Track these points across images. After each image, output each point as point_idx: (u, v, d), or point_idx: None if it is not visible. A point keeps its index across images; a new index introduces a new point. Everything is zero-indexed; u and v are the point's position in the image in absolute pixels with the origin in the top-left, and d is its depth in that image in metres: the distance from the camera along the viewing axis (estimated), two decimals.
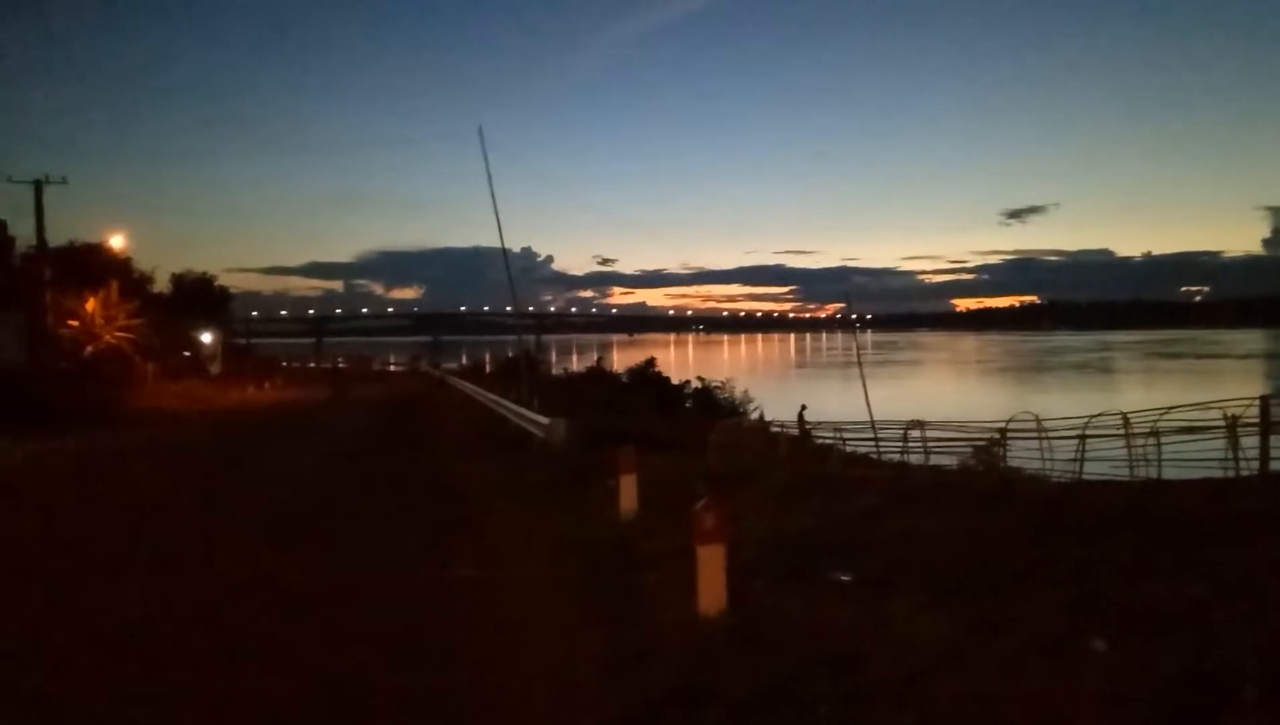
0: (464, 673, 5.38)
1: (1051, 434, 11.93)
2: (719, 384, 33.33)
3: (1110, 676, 4.43)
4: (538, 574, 7.73)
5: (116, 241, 46.38)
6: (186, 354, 54.48)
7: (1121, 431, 11.01)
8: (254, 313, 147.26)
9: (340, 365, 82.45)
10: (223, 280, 75.31)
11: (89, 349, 38.80)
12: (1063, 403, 34.41)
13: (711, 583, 6.01)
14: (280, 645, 6.01)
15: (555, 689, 5.07)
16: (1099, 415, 11.44)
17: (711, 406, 30.24)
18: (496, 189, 26.15)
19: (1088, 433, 11.40)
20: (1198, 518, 7.16)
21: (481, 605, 6.88)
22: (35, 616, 6.76)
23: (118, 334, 40.68)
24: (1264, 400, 10.27)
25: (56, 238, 40.23)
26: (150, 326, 43.58)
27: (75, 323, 38.93)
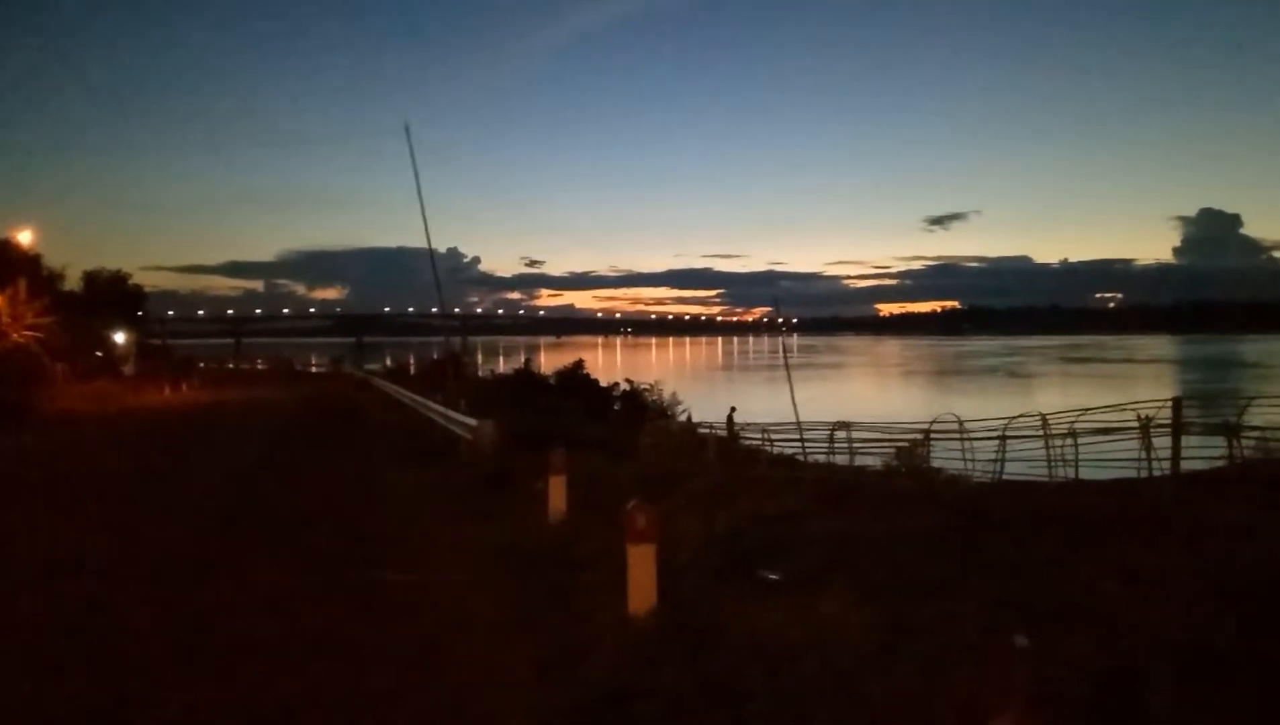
0: (395, 676, 5.29)
1: (973, 435, 12.21)
2: (647, 386, 33.40)
3: (1032, 669, 4.54)
4: (468, 576, 7.64)
5: (24, 237, 44.71)
6: (99, 354, 52.63)
7: (1040, 433, 11.33)
8: (170, 312, 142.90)
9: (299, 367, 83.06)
10: (138, 279, 73.20)
11: None
12: (981, 405, 35.28)
13: (642, 582, 6.01)
14: (205, 650, 5.84)
15: (486, 690, 5.01)
16: (1018, 417, 11.75)
17: (640, 409, 30.29)
18: (423, 188, 25.75)
19: (1008, 434, 11.71)
20: (1112, 516, 7.40)
21: (411, 609, 6.77)
22: None
23: (25, 333, 39.13)
24: (1177, 402, 10.66)
25: None
26: (61, 326, 42.01)
27: None
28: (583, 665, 5.15)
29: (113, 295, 61.44)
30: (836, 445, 14.88)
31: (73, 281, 57.47)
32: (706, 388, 61.23)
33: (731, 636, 5.44)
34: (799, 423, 17.44)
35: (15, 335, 38.59)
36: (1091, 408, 11.53)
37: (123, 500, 12.47)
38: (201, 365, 77.15)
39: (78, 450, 20.09)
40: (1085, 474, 10.56)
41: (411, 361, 75.00)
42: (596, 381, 34.51)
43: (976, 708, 4.25)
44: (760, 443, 17.60)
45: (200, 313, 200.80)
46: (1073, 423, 11.06)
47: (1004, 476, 11.17)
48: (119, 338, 57.54)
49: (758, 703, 4.49)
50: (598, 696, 4.66)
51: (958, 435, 12.24)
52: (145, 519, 10.90)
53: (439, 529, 10.01)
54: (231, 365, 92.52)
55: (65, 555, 8.71)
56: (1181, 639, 4.80)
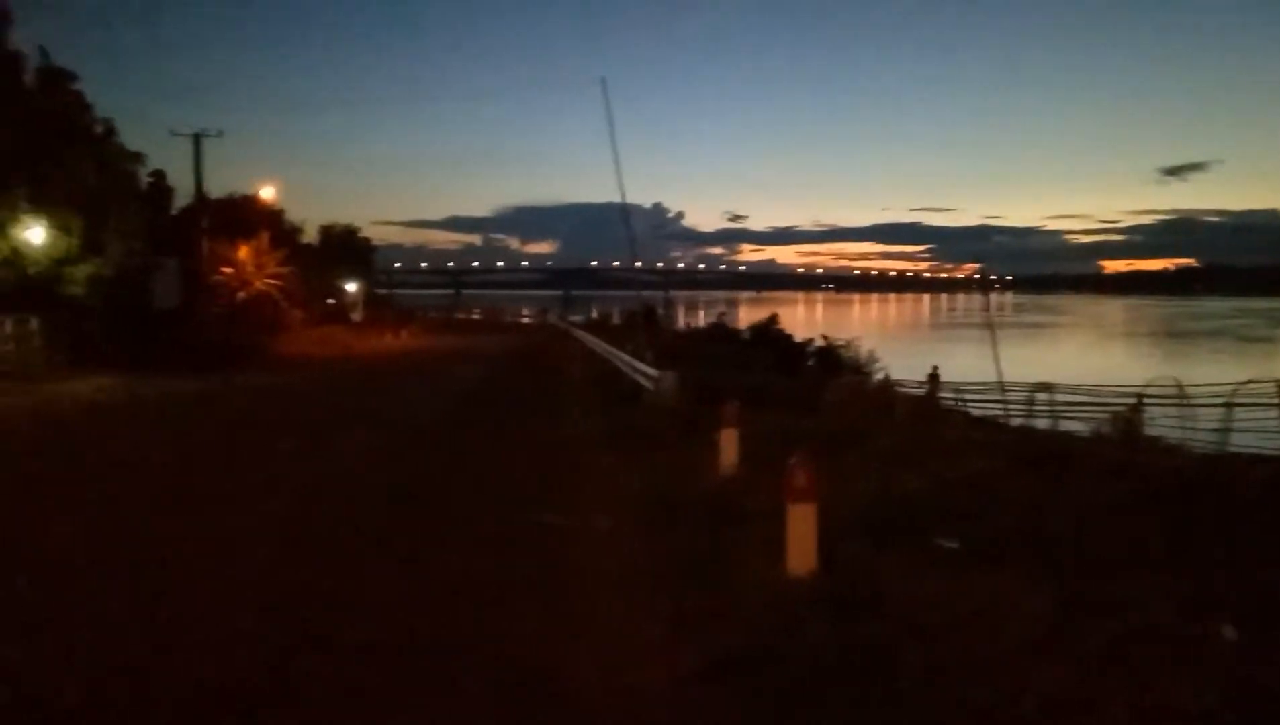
0: (534, 620, 5.27)
1: (1194, 402, 11.00)
2: (843, 343, 32.53)
3: (1237, 668, 3.97)
4: (627, 525, 7.60)
5: (267, 193, 48.20)
6: (331, 301, 56.55)
7: (1276, 401, 10.06)
8: (396, 264, 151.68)
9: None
10: (367, 232, 77.59)
11: (240, 295, 40.56)
12: (1202, 371, 31.94)
13: (801, 543, 5.74)
14: (362, 586, 6.09)
15: (623, 642, 4.90)
16: (1248, 382, 10.48)
17: (834, 365, 29.56)
18: (627, 143, 26.08)
19: (1235, 401, 10.46)
20: None
21: (565, 553, 6.80)
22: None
23: (267, 281, 42.34)
24: None
25: (213, 189, 42.12)
26: (298, 275, 45.26)
27: (229, 270, 40.77)
28: (727, 624, 4.96)
29: (345, 247, 65.69)
30: (1037, 408, 13.87)
31: (310, 235, 61.93)
32: (908, 346, 58.95)
33: (891, 605, 5.10)
34: (1001, 383, 16.44)
35: (258, 283, 41.92)
36: None
37: (335, 434, 13.35)
38: (431, 315, 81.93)
39: (300, 390, 21.77)
40: None
41: (615, 313, 76.68)
42: (790, 337, 33.98)
43: (1160, 706, 3.75)
44: (956, 403, 16.70)
45: (423, 265, 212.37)
46: None
47: (1229, 448, 9.99)
48: (350, 287, 61.59)
49: (907, 677, 4.16)
50: (736, 657, 4.46)
51: (1176, 401, 11.05)
52: (353, 451, 11.65)
53: (609, 475, 10.07)
54: (456, 315, 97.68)
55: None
56: None
